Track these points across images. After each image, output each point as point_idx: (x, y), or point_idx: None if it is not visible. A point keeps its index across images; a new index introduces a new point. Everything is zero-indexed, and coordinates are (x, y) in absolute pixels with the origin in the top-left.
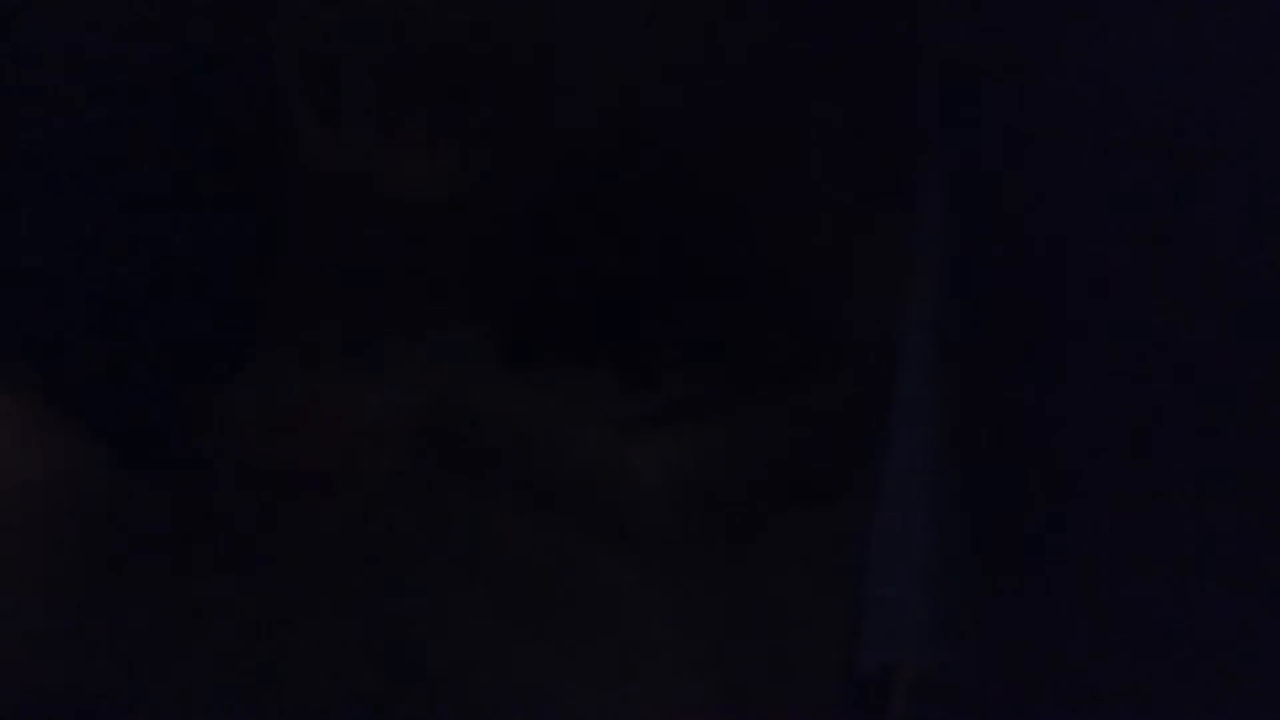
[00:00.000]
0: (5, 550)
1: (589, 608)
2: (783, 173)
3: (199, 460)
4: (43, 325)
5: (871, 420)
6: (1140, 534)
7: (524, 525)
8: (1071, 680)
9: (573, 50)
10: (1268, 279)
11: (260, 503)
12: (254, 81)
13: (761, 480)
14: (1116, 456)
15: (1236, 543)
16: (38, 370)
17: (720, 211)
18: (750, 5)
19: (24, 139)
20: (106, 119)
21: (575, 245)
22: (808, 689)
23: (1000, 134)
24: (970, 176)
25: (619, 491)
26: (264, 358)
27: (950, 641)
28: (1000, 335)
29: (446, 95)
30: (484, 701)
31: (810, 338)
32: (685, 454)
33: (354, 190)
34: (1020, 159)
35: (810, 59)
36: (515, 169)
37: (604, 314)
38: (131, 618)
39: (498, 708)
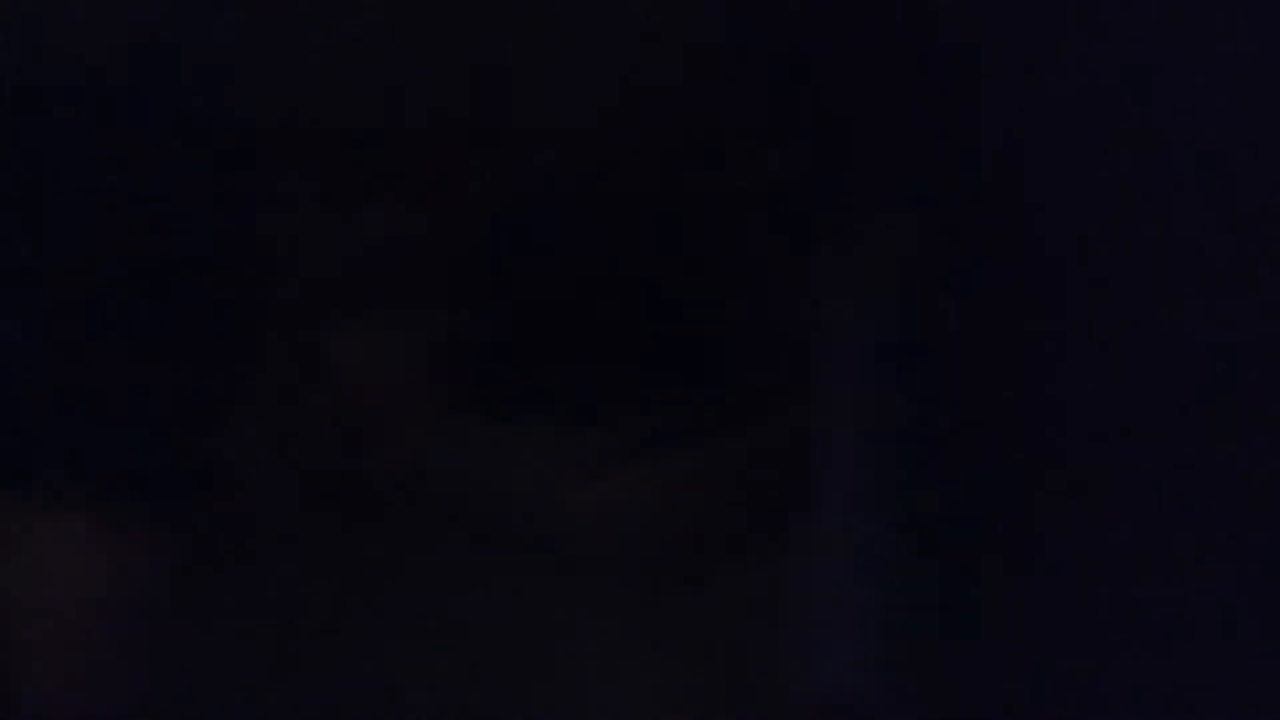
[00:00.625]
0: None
1: (548, 643)
2: (730, 224)
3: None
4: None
5: (818, 459)
6: (1071, 582)
7: (481, 563)
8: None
9: (525, 114)
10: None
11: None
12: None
13: (714, 516)
14: (1048, 498)
15: (1169, 606)
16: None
17: (671, 258)
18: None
19: None
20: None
21: (528, 290)
22: None
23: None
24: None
25: (573, 528)
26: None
27: (887, 680)
28: (937, 385)
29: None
30: None
31: (760, 379)
32: (639, 491)
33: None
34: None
35: (753, 126)
36: (470, 221)
37: (560, 358)
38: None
39: None
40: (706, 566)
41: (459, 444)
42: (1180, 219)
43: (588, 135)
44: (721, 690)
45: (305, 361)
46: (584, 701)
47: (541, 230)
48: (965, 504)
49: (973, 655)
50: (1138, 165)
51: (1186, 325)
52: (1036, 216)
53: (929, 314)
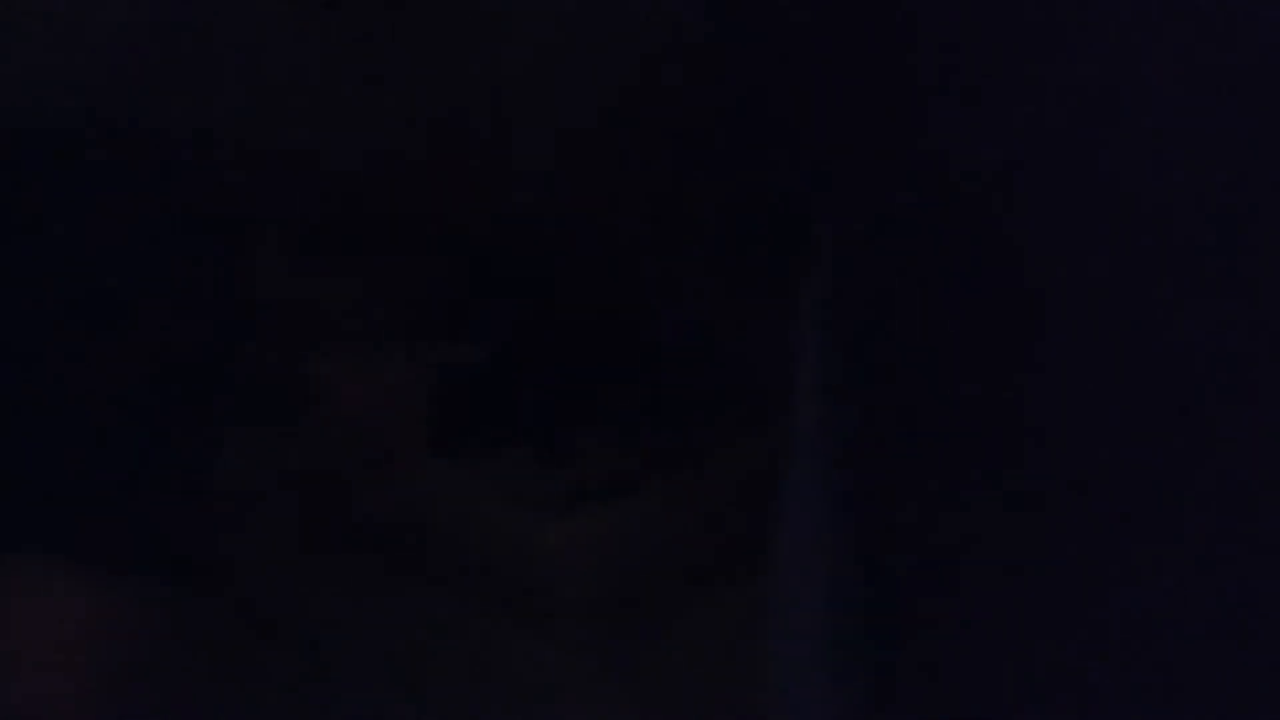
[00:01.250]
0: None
1: (508, 685)
2: (690, 255)
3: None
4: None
5: (781, 494)
6: (1035, 610)
7: (441, 604)
8: None
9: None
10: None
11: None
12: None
13: (677, 555)
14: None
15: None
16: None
17: (632, 292)
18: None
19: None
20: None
21: (488, 329)
22: None
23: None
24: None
25: (535, 569)
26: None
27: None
28: (894, 417)
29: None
30: None
31: (723, 413)
32: (601, 531)
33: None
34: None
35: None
36: (433, 263)
37: (520, 394)
38: None
39: None
40: (677, 603)
41: (422, 483)
42: (1171, 235)
43: (557, 160)
44: None
45: (260, 397)
46: None
47: (506, 263)
48: (938, 535)
49: (945, 694)
50: (1125, 178)
51: (1173, 359)
52: (1018, 235)
53: (906, 339)
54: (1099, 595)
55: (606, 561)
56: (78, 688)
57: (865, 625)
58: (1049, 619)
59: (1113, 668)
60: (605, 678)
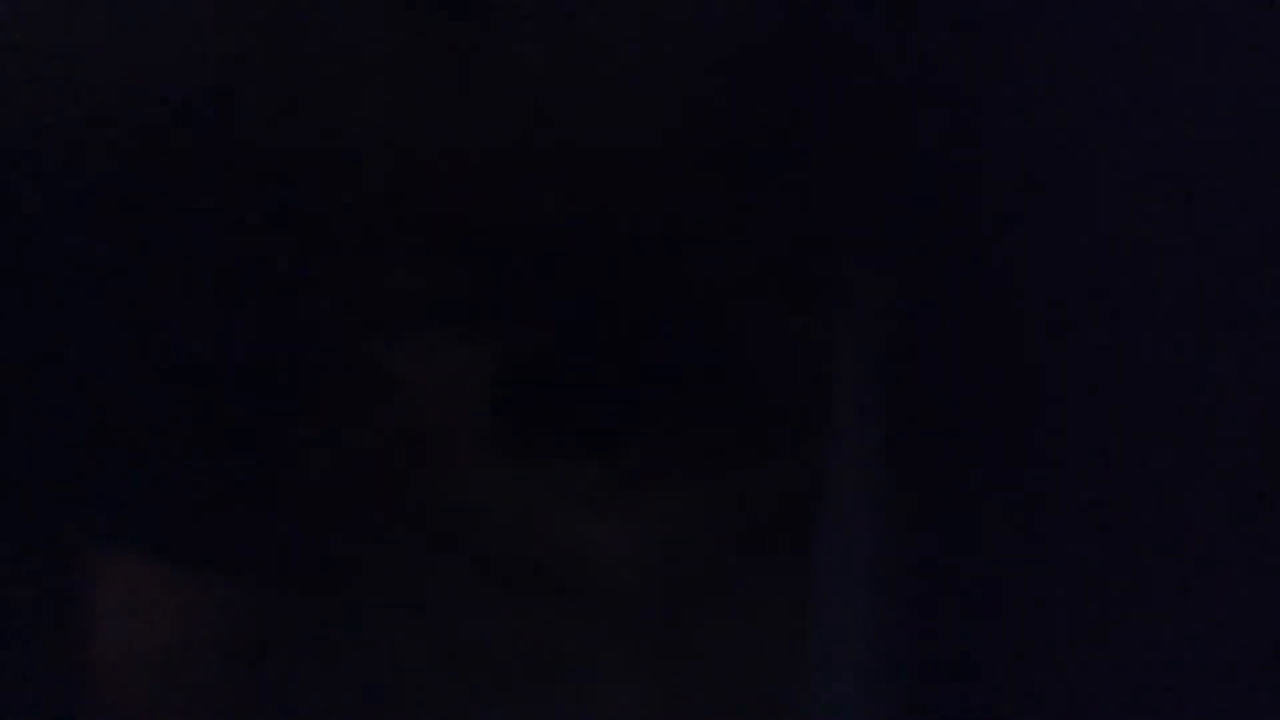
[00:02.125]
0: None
1: (554, 678)
2: (732, 263)
3: None
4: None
5: (825, 495)
6: (1063, 630)
7: (488, 597)
8: None
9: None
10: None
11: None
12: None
13: (722, 551)
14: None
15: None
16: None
17: (676, 295)
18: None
19: None
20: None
21: (538, 329)
22: None
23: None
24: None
25: (582, 563)
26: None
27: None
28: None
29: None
30: None
31: (769, 411)
32: (647, 525)
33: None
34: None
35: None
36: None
37: (569, 390)
38: None
39: None
40: (719, 598)
41: (460, 479)
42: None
43: (584, 162)
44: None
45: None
46: None
47: (535, 261)
48: (968, 532)
49: (972, 688)
50: (1128, 202)
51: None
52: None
53: (932, 346)
54: (1136, 599)
55: (651, 555)
56: (175, 689)
57: (901, 629)
58: (1077, 623)
59: (1157, 672)
60: (649, 670)
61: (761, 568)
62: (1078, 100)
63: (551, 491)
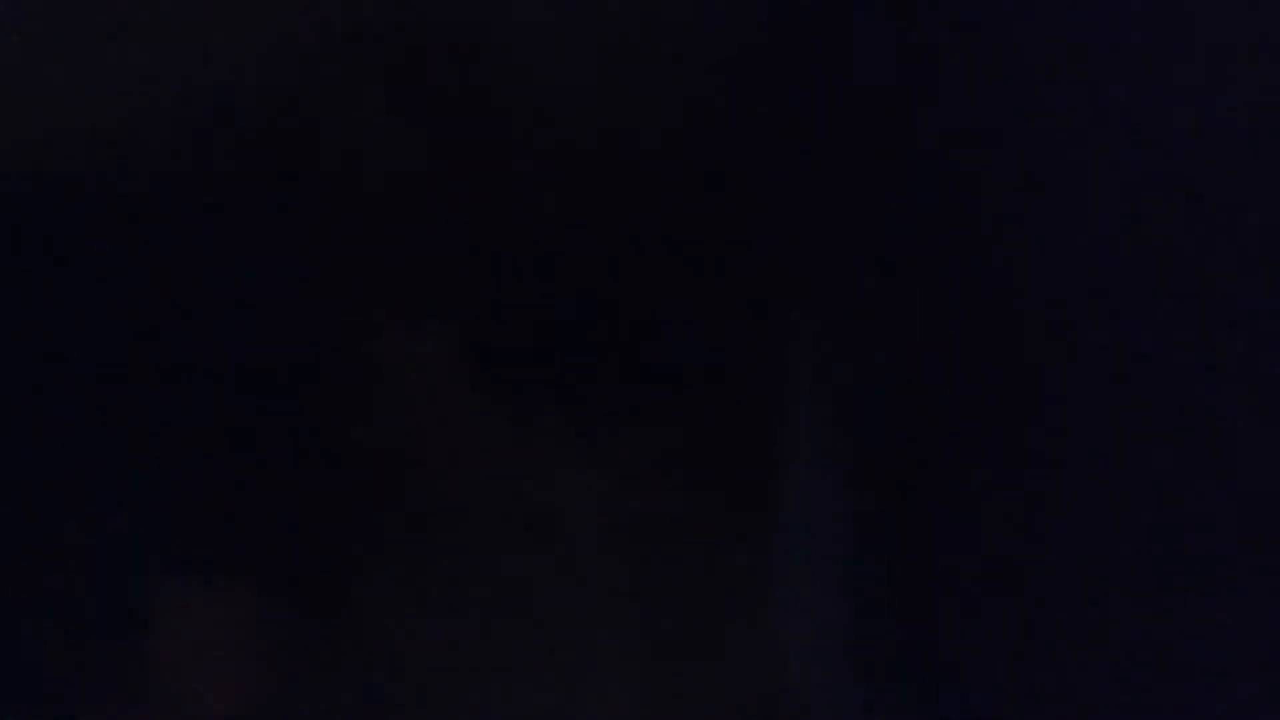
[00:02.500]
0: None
1: (534, 618)
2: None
3: None
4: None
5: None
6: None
7: (465, 538)
8: None
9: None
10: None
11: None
12: None
13: (695, 491)
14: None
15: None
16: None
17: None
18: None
19: None
20: None
21: (531, 304)
22: (748, 702)
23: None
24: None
25: (557, 504)
26: None
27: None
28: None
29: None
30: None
31: (740, 354)
32: (622, 465)
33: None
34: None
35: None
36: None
37: (545, 335)
38: None
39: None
40: (686, 534)
41: (454, 416)
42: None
43: (582, 149)
44: (710, 679)
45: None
46: (569, 685)
47: (528, 234)
48: (936, 485)
49: (943, 655)
50: (1119, 212)
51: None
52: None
53: (905, 341)
54: (1110, 597)
55: (627, 494)
56: (230, 696)
57: (874, 609)
58: (1053, 622)
59: (1143, 668)
60: (627, 611)
61: (724, 508)
62: (1078, 100)
63: (527, 426)
